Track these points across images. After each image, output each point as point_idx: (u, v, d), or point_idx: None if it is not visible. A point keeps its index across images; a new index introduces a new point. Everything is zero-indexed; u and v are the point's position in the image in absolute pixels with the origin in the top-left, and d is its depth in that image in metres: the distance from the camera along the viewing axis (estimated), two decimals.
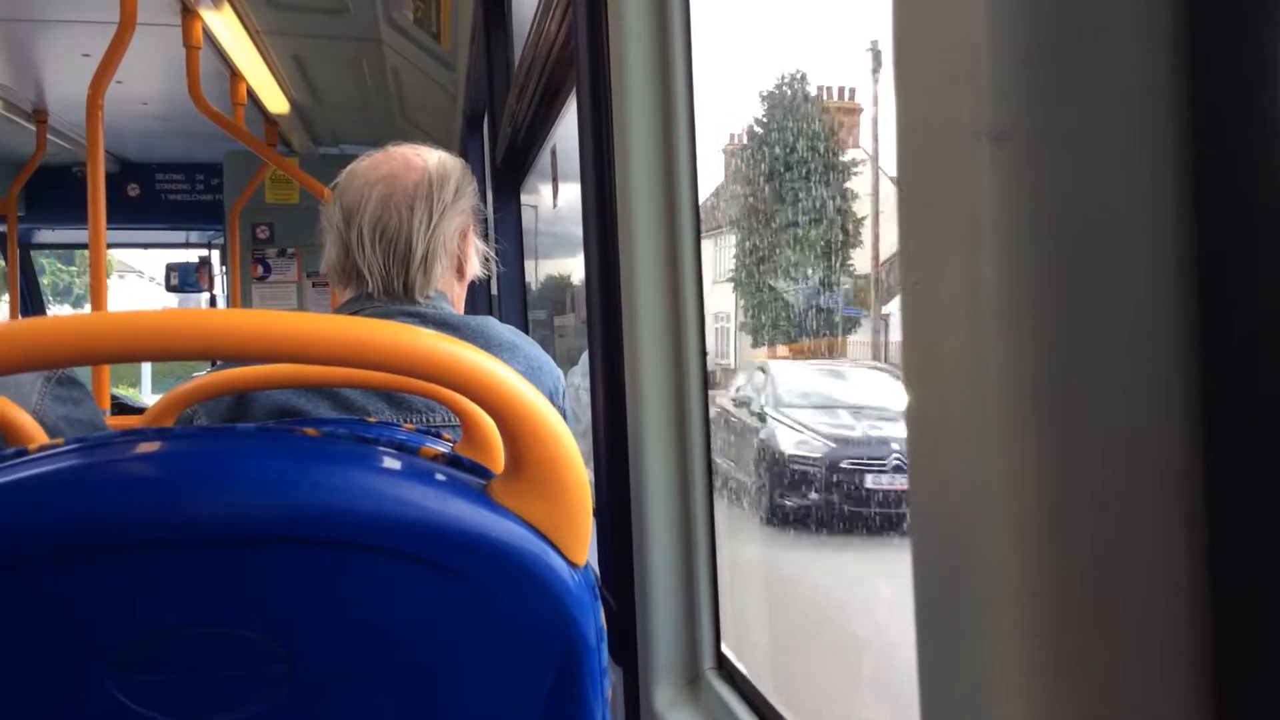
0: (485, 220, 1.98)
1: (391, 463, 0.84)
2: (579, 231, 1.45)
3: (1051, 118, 0.37)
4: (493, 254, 1.91)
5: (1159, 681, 0.39)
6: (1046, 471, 0.38)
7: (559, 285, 4.55)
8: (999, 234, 0.37)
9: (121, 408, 5.15)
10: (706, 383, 1.14)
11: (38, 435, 1.39)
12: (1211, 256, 0.37)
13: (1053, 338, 0.38)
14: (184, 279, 8.39)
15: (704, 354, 1.13)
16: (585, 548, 0.87)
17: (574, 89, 1.59)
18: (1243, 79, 0.35)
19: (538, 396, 0.83)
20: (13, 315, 6.98)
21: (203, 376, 1.43)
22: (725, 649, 1.14)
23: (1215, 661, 0.38)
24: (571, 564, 0.84)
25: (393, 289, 1.69)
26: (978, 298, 0.38)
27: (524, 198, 3.49)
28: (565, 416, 1.91)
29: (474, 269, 1.82)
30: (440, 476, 0.84)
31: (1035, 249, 0.37)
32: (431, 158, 1.76)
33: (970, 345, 0.39)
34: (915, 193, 0.42)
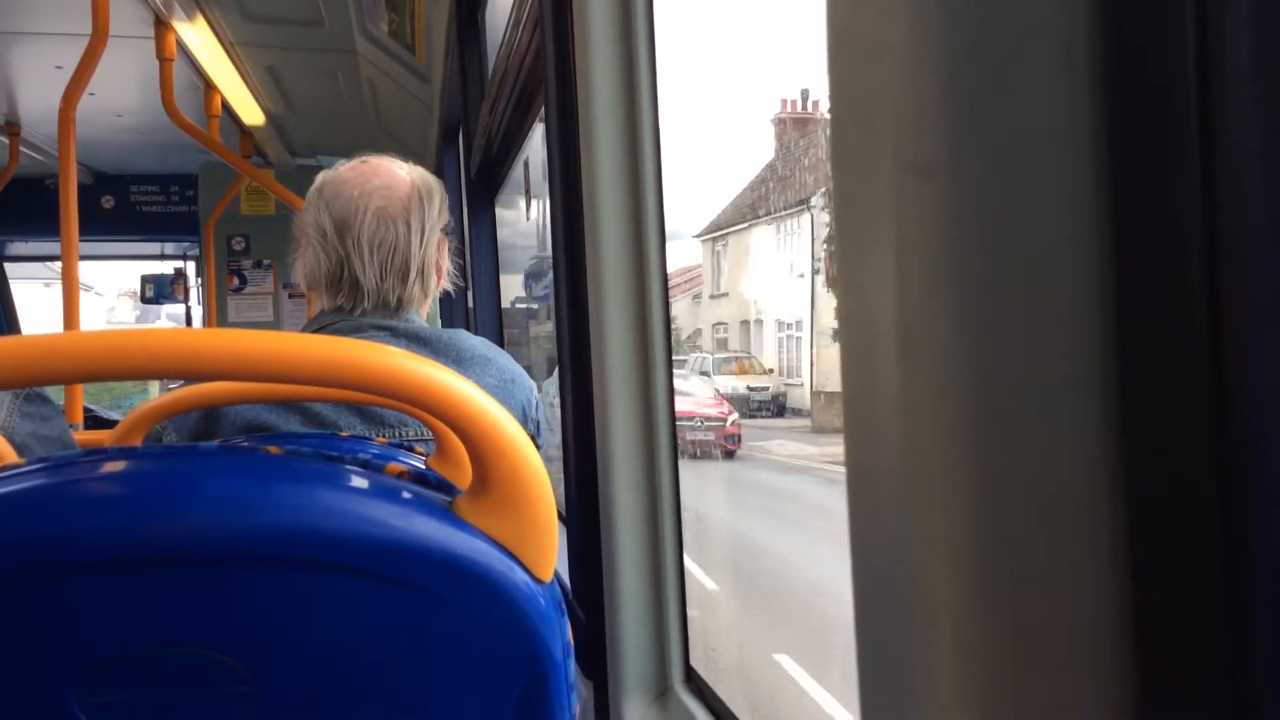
0: (459, 235, 1.98)
1: (356, 481, 0.84)
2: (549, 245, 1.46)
3: (971, 150, 0.38)
4: (463, 268, 1.91)
5: (1087, 694, 0.40)
6: (975, 486, 0.39)
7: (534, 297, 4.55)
8: (925, 263, 0.38)
9: (95, 420, 5.11)
10: (673, 394, 1.14)
11: (5, 453, 1.39)
12: (1131, 274, 0.38)
13: (980, 359, 0.39)
14: (159, 291, 8.35)
15: (670, 365, 1.14)
16: (551, 563, 0.87)
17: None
18: (1156, 102, 0.36)
19: (503, 413, 0.84)
20: None
21: (172, 392, 1.42)
22: (693, 663, 1.14)
23: (1140, 673, 0.39)
24: (537, 579, 0.85)
25: (387, 301, 1.69)
26: (907, 324, 0.39)
27: (502, 211, 3.49)
28: (539, 428, 1.92)
29: (443, 284, 1.83)
30: (405, 494, 0.84)
31: (960, 275, 0.38)
32: (414, 171, 1.77)
33: (901, 368, 0.40)
34: (849, 224, 0.42)
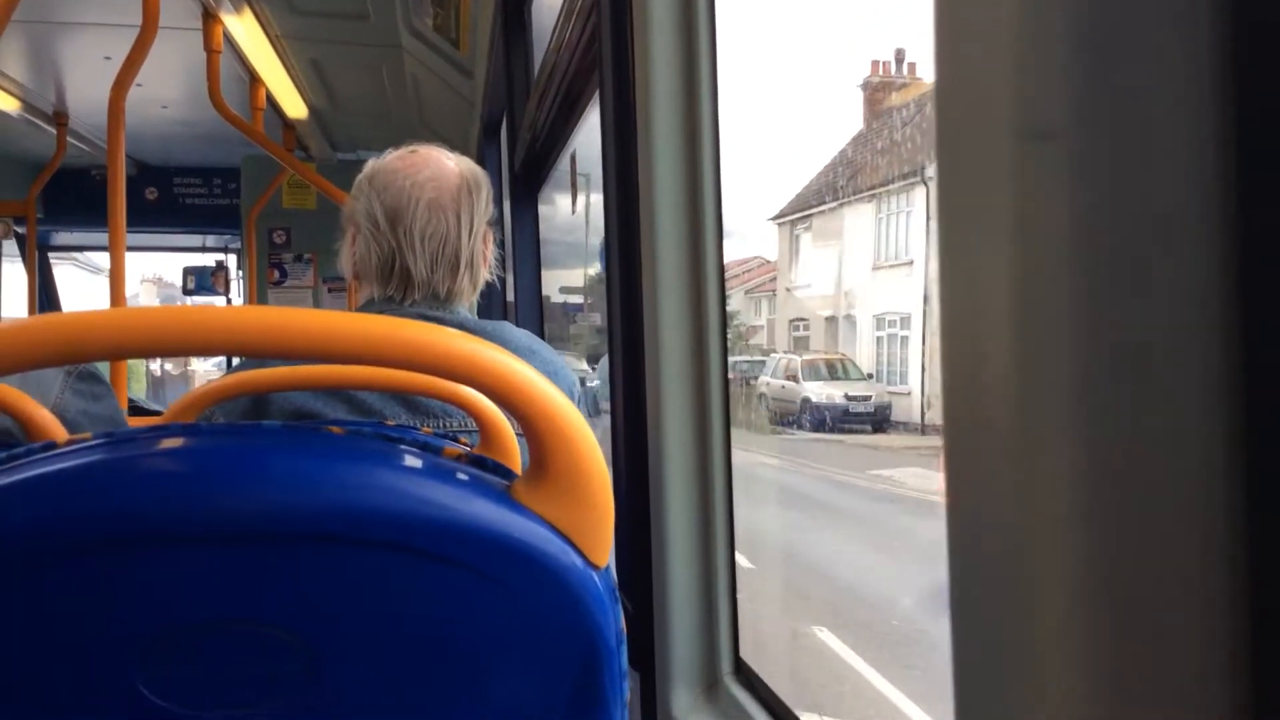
0: (501, 226, 1.99)
1: (416, 462, 0.84)
2: (588, 239, 1.45)
3: (1094, 116, 0.36)
4: (506, 261, 1.92)
5: (1196, 683, 0.39)
6: (1086, 471, 0.38)
7: (572, 293, 4.54)
8: (1041, 234, 0.37)
9: (137, 410, 5.17)
10: (728, 388, 1.14)
11: (58, 431, 1.40)
12: (1259, 257, 0.36)
13: (1094, 338, 0.38)
14: (200, 283, 8.43)
15: (725, 360, 1.13)
16: (607, 550, 0.87)
17: (595, 95, 1.60)
18: None
19: (561, 397, 0.83)
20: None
21: (225, 376, 1.43)
22: (743, 655, 1.14)
23: (1254, 664, 0.38)
24: (593, 565, 0.85)
25: (437, 292, 1.70)
26: (1019, 297, 0.38)
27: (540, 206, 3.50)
28: None
29: (485, 276, 1.84)
30: (464, 476, 0.84)
31: (1077, 249, 0.37)
32: (461, 163, 1.77)
33: (1011, 345, 0.39)
34: (956, 191, 0.41)
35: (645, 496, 1.20)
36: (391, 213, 1.69)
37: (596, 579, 0.85)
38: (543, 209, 3.51)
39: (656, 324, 1.14)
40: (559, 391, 0.84)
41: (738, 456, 1.14)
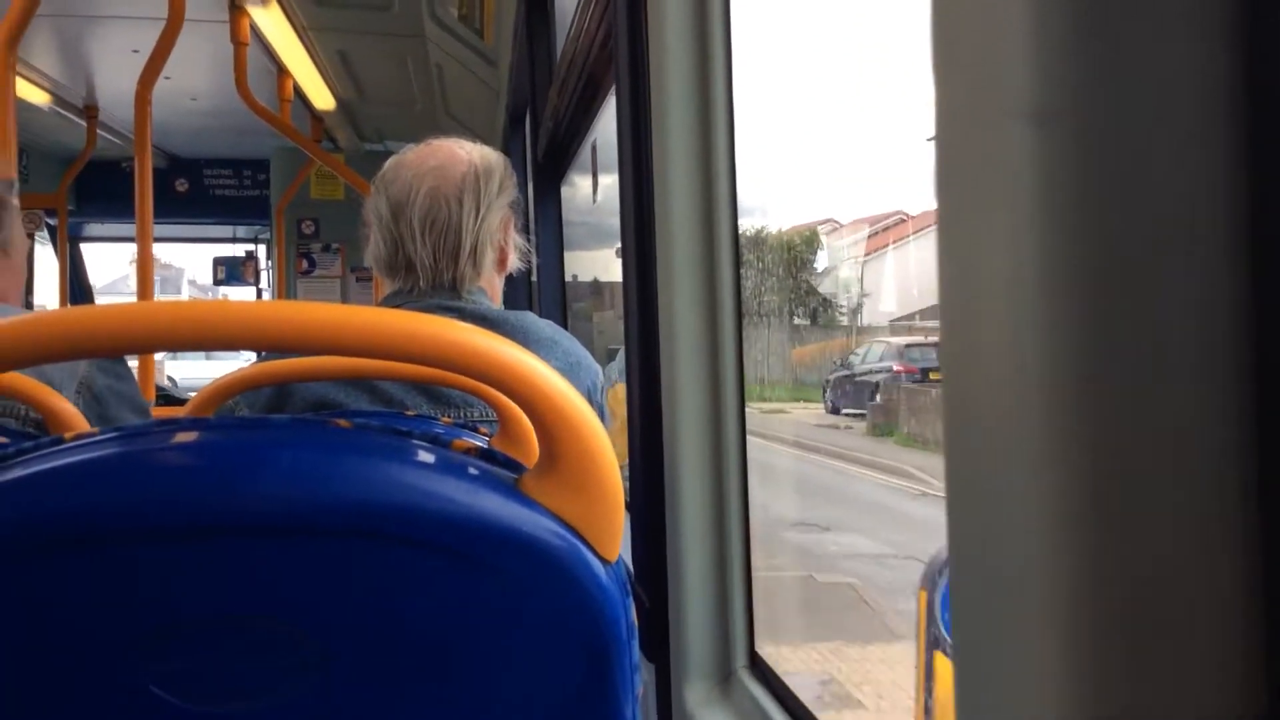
0: (525, 214, 1.99)
1: (424, 456, 0.84)
2: (614, 223, 1.45)
3: (1099, 99, 0.35)
4: (532, 248, 1.91)
5: (1205, 681, 0.38)
6: (1090, 466, 0.37)
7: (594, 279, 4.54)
8: (1043, 220, 0.36)
9: (166, 399, 5.22)
10: (743, 379, 1.13)
11: (79, 423, 1.41)
12: (1268, 246, 0.35)
13: (1098, 329, 0.36)
14: (231, 273, 8.51)
15: (740, 349, 1.13)
16: (617, 543, 0.86)
17: (614, 85, 1.59)
18: None
19: (571, 391, 0.83)
20: (61, 307, 7.09)
21: (245, 368, 1.44)
22: (759, 648, 1.13)
23: (1267, 664, 0.37)
24: (603, 559, 0.84)
25: (442, 281, 1.70)
26: (1020, 286, 0.37)
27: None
28: (603, 412, 1.92)
29: (513, 262, 1.83)
30: (472, 470, 0.84)
31: (1081, 236, 0.36)
32: (475, 151, 1.77)
33: (1012, 336, 0.38)
34: (955, 176, 0.40)
35: (661, 487, 1.19)
36: (395, 205, 1.70)
37: (607, 572, 0.85)
38: (569, 192, 3.51)
39: (671, 316, 1.14)
40: (568, 384, 0.83)
41: None
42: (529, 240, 1.88)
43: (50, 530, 0.76)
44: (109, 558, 0.75)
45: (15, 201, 1.88)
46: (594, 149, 2.96)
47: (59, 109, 5.76)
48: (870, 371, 4.38)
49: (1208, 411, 0.37)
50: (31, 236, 6.36)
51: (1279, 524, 0.36)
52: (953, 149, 0.40)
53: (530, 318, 1.79)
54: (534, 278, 3.49)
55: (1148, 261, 0.37)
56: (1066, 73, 0.35)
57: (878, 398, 4.45)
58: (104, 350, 0.81)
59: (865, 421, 4.59)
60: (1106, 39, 0.35)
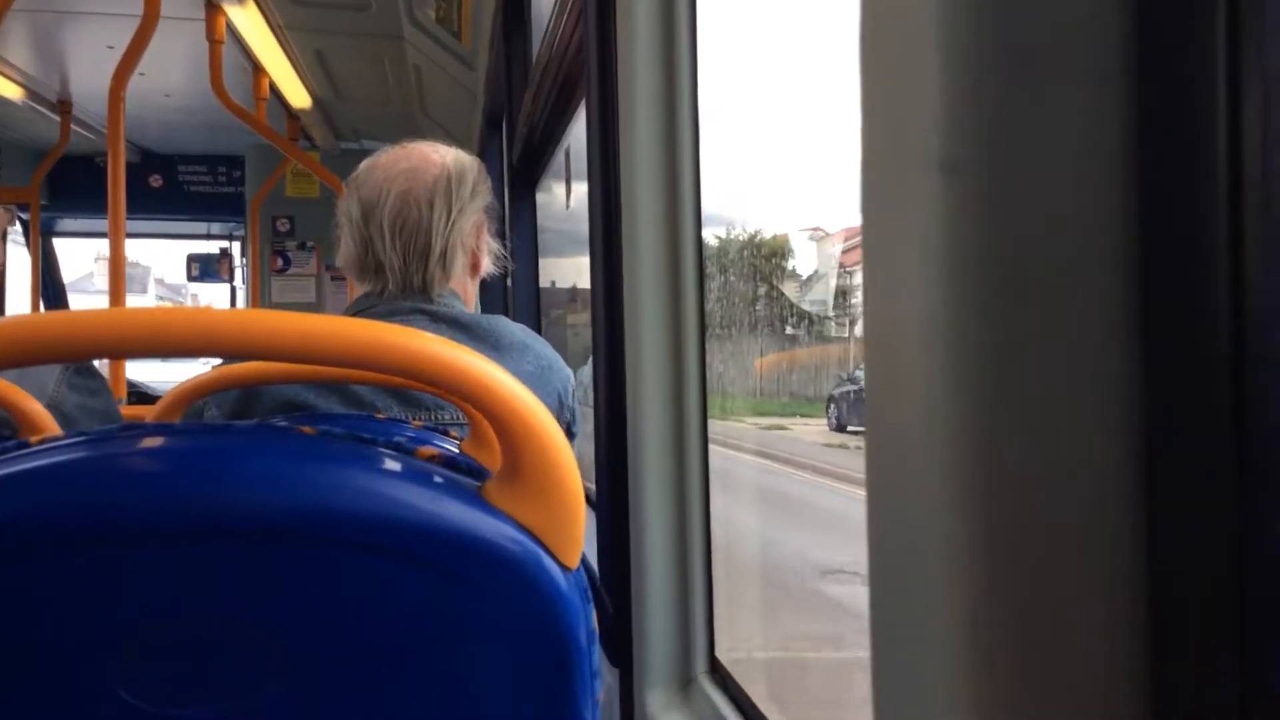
0: (500, 218, 1.99)
1: (388, 463, 0.85)
2: (586, 229, 1.46)
3: (1000, 147, 0.37)
4: (506, 252, 1.92)
5: (1102, 685, 0.39)
6: (994, 488, 0.39)
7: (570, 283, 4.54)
8: (948, 262, 0.38)
9: (140, 396, 5.19)
10: (705, 386, 1.14)
11: (51, 426, 1.41)
12: (1158, 276, 0.37)
13: (1001, 360, 0.39)
14: (205, 270, 8.46)
15: (703, 357, 1.14)
16: (578, 550, 0.87)
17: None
18: (1185, 103, 0.36)
19: (533, 401, 0.84)
20: (34, 303, 7.03)
21: (212, 370, 1.44)
22: (718, 654, 1.15)
23: (1154, 673, 0.39)
24: (564, 566, 0.85)
25: (411, 284, 1.70)
26: (929, 322, 0.39)
27: (538, 196, 3.50)
28: (575, 416, 1.92)
29: (486, 266, 1.84)
30: (436, 478, 0.85)
31: (983, 275, 0.38)
32: (449, 154, 1.77)
33: (923, 367, 0.40)
34: (875, 220, 0.42)
35: (626, 495, 1.20)
36: (365, 206, 1.70)
37: (567, 579, 0.86)
38: (546, 198, 3.51)
39: (637, 322, 1.15)
40: (529, 393, 0.84)
41: None
42: (504, 245, 1.89)
43: (13, 533, 0.76)
44: (74, 562, 0.76)
45: None
46: (567, 155, 2.97)
47: (32, 103, 5.73)
48: None
49: (1101, 428, 0.39)
50: (4, 234, 6.30)
51: (1167, 533, 0.39)
52: (873, 194, 0.43)
53: (503, 321, 1.79)
54: (509, 283, 3.49)
55: (1046, 295, 0.39)
56: (972, 123, 0.37)
57: None
58: (71, 355, 0.81)
59: None
60: (1004, 92, 0.37)
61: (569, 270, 4.27)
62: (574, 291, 4.43)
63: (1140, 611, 0.39)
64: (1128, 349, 0.38)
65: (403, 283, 1.70)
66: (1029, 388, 0.39)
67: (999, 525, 0.39)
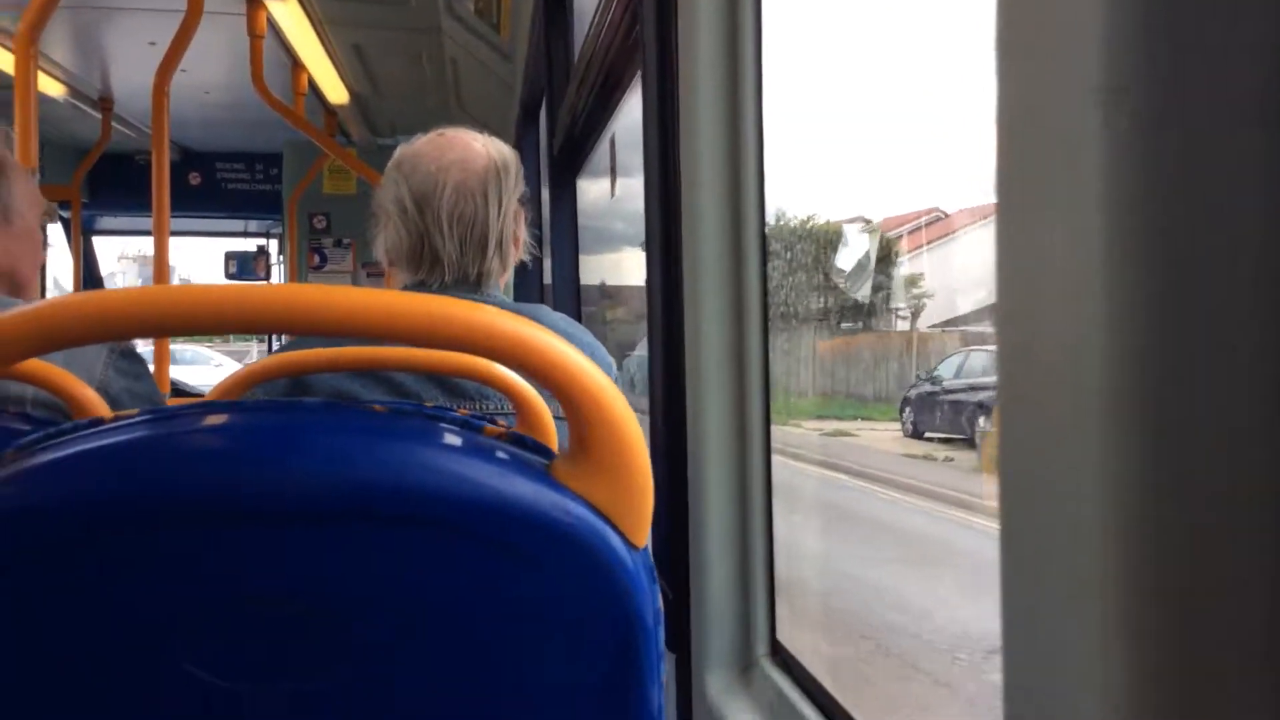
0: (534, 207, 1.99)
1: (456, 440, 0.85)
2: (619, 226, 1.46)
3: (1170, 80, 0.35)
4: (535, 242, 1.92)
5: (1260, 686, 0.37)
6: (1148, 466, 0.36)
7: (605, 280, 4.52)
8: (1108, 202, 0.35)
9: (179, 392, 5.23)
10: (768, 374, 1.13)
11: (102, 408, 1.42)
12: None
13: (1162, 318, 0.36)
14: (242, 268, 8.52)
15: (766, 345, 1.13)
16: (646, 530, 0.87)
17: (635, 80, 1.60)
18: None
19: (602, 377, 0.84)
20: None
21: (266, 358, 1.45)
22: (780, 636, 1.14)
23: None
24: (632, 546, 0.85)
25: (467, 275, 1.71)
26: (1084, 280, 0.36)
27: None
28: None
29: (518, 256, 1.84)
30: (503, 455, 0.85)
31: (1146, 220, 0.35)
32: (490, 144, 1.78)
33: (1072, 320, 0.37)
34: (1018, 156, 0.40)
35: (684, 479, 1.20)
36: (419, 197, 1.70)
37: (635, 559, 0.85)
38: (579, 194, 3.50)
39: (697, 308, 1.14)
40: (601, 371, 0.84)
41: None
42: (534, 233, 1.89)
43: (84, 513, 0.76)
44: (144, 541, 0.76)
45: (12, 158, 1.82)
46: (612, 144, 2.96)
47: (74, 101, 5.78)
48: (972, 388, 3.40)
49: (1270, 417, 0.36)
50: (45, 227, 6.36)
51: None
52: (1016, 127, 0.40)
53: (544, 310, 1.80)
54: (546, 279, 3.48)
55: (1215, 250, 0.35)
56: (1135, 53, 0.35)
57: (985, 422, 3.44)
58: (127, 333, 0.81)
59: (975, 452, 3.54)
60: (1177, 20, 0.34)
61: (598, 267, 4.24)
62: (604, 288, 4.40)
63: None
64: None
65: (458, 273, 1.70)
66: (1195, 358, 0.35)
67: (1149, 526, 0.36)
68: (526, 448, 0.89)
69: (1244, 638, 0.38)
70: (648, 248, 1.34)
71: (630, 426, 0.84)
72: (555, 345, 0.81)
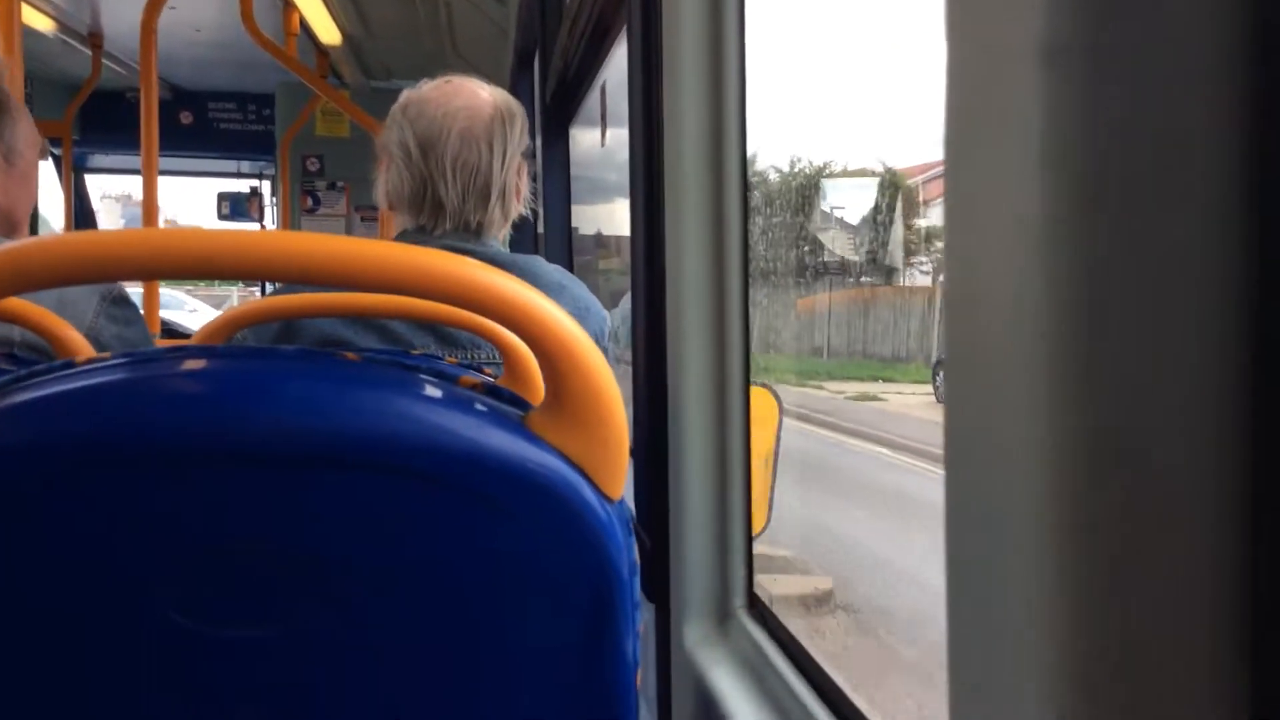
0: (533, 159, 1.98)
1: (430, 390, 0.84)
2: (612, 176, 1.45)
3: (1112, 34, 0.34)
4: (537, 194, 1.91)
5: (1195, 685, 0.37)
6: (1088, 418, 0.36)
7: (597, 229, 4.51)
8: (1048, 156, 0.35)
9: (170, 333, 5.22)
10: (748, 324, 1.13)
11: (86, 351, 1.42)
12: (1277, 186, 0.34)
13: (1106, 270, 0.36)
14: (235, 209, 8.47)
15: (746, 297, 1.13)
16: (621, 482, 0.87)
17: (624, 26, 1.58)
18: None
19: (578, 330, 0.83)
20: None
21: (254, 301, 1.44)
22: (757, 589, 1.15)
23: (1254, 672, 0.36)
24: (606, 498, 0.85)
25: (468, 223, 1.70)
26: (1024, 229, 0.36)
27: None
28: (608, 357, 1.92)
29: (518, 208, 1.83)
30: (479, 406, 0.84)
31: (1086, 175, 0.35)
32: (496, 93, 1.77)
33: (1013, 275, 0.37)
34: (962, 112, 0.40)
35: (664, 430, 1.20)
36: (424, 142, 1.68)
37: (609, 511, 0.85)
38: (572, 145, 3.47)
39: (679, 260, 1.14)
40: (575, 323, 0.83)
41: None
42: (533, 186, 1.88)
43: (58, 454, 0.76)
44: (123, 483, 0.76)
45: (17, 100, 1.79)
46: (603, 91, 2.94)
47: (64, 36, 5.71)
48: None
49: (1217, 397, 0.36)
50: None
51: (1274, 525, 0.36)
52: (960, 83, 0.40)
53: (539, 262, 1.79)
54: (540, 229, 3.46)
55: (1155, 203, 0.35)
56: (1077, 6, 0.34)
57: None
58: (109, 274, 0.80)
59: None
60: None
61: (593, 217, 4.21)
62: (600, 238, 4.38)
63: (1242, 611, 0.36)
64: (1246, 286, 0.35)
65: (459, 221, 1.69)
66: (1137, 324, 0.35)
67: (1087, 508, 0.36)
68: (502, 399, 0.89)
69: (1174, 631, 0.38)
70: (631, 197, 1.33)
71: (604, 378, 0.83)
72: (528, 297, 0.80)
